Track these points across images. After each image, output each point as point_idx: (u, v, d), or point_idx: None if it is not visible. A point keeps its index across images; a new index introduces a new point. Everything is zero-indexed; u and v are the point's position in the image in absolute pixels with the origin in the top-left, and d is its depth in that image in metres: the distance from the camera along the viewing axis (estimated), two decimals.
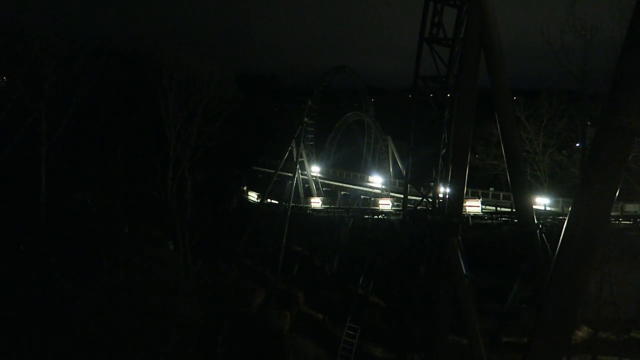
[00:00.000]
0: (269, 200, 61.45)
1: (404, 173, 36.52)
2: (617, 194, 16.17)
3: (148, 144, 45.30)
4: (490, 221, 42.51)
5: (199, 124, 44.53)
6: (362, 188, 64.19)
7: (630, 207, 40.02)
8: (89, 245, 40.32)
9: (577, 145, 50.96)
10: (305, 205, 58.96)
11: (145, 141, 46.22)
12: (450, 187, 27.02)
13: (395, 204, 51.19)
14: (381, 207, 51.88)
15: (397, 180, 60.95)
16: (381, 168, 65.77)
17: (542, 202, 45.16)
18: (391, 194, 58.42)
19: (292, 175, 56.98)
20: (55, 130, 40.85)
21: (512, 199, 26.63)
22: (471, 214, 42.38)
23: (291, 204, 52.66)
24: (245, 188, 68.66)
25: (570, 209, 17.08)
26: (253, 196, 66.23)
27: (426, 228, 32.62)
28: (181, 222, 43.49)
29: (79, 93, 41.24)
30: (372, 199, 57.39)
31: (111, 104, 48.37)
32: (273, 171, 61.96)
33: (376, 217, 52.24)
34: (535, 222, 25.06)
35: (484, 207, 44.97)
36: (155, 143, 45.92)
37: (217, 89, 45.05)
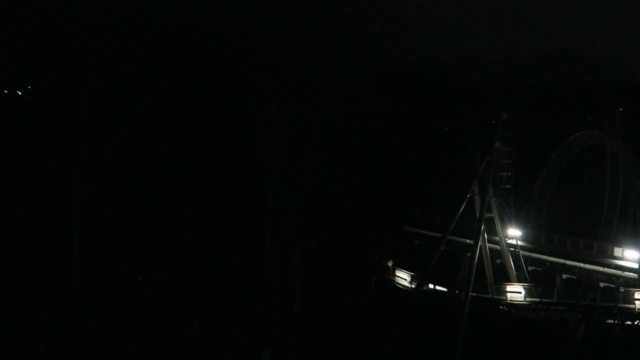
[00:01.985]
0: (430, 285, 61.08)
1: None
2: None
3: (233, 186, 47.66)
4: None
5: (315, 152, 45.56)
6: (601, 269, 60.63)
7: None
8: None
9: None
10: (495, 297, 57.40)
11: (230, 181, 48.73)
12: None
13: None
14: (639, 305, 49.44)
15: None
16: (639, 232, 61.47)
17: None
18: None
19: (472, 242, 56.46)
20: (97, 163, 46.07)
21: None
22: None
23: (470, 294, 52.04)
24: (390, 264, 68.37)
25: None
26: (404, 277, 65.58)
27: None
28: (284, 324, 44.57)
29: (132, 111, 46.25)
30: (623, 289, 54.66)
31: (178, 122, 52.69)
32: (439, 235, 61.85)
33: (631, 322, 50.88)
34: None
35: None
36: (245, 185, 48.04)
37: (344, 96, 46.05)
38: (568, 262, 63.02)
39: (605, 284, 58.86)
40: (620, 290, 54.67)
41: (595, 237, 67.52)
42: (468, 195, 58.52)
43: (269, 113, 44.91)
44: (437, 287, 61.27)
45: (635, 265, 58.16)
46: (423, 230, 73.84)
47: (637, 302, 50.38)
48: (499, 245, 62.26)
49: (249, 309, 51.86)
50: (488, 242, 60.58)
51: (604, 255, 62.69)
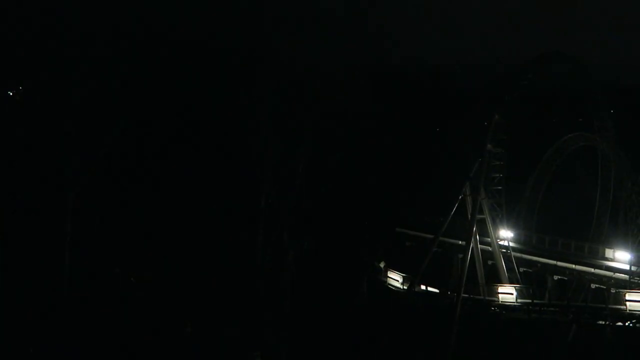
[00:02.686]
0: (422, 286, 61.00)
1: None
2: None
3: (225, 186, 47.69)
4: None
5: (308, 152, 45.68)
6: (592, 270, 60.87)
7: None
8: None
9: None
10: (487, 298, 57.50)
11: (221, 181, 48.76)
12: None
13: None
14: (630, 306, 49.86)
15: None
16: (630, 234, 61.51)
17: None
18: None
19: (464, 244, 56.47)
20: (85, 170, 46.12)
21: None
22: None
23: (462, 295, 52.30)
24: (382, 265, 68.35)
25: None
26: (396, 279, 65.57)
27: None
28: (276, 325, 44.58)
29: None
30: (614, 290, 54.70)
31: (170, 122, 52.74)
32: (431, 236, 61.85)
33: (622, 324, 50.60)
34: None
35: None
36: (236, 185, 48.11)
37: (337, 97, 46.16)
38: (559, 264, 63.13)
39: (597, 285, 58.97)
40: (612, 291, 54.73)
41: (587, 238, 67.62)
42: (460, 197, 58.68)
43: (262, 113, 44.92)
44: (429, 288, 61.33)
45: (626, 267, 58.33)
46: (415, 231, 73.78)
47: (628, 303, 50.23)
48: (490, 246, 62.38)
49: (241, 310, 51.80)
50: (480, 244, 60.68)
51: (595, 257, 62.82)
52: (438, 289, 60.58)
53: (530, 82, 69.35)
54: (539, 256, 65.35)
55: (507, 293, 57.02)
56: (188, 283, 53.91)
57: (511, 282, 60.39)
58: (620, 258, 60.41)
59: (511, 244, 65.14)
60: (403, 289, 61.43)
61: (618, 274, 58.42)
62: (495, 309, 56.17)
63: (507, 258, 62.69)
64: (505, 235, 65.19)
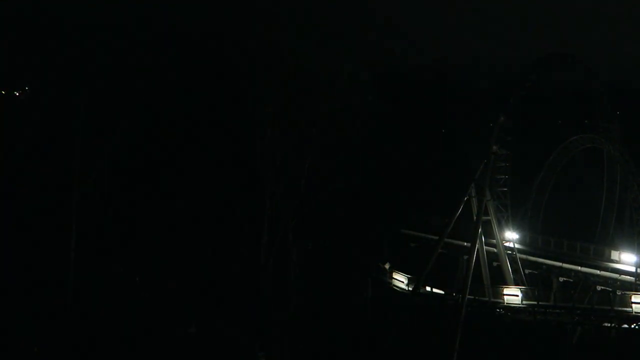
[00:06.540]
0: (427, 288, 60.61)
1: None
2: None
3: (230, 187, 47.62)
4: None
5: (312, 154, 45.59)
6: (598, 272, 60.56)
7: None
8: None
9: None
10: (492, 300, 57.22)
11: (226, 182, 48.72)
12: None
13: None
14: (636, 308, 49.57)
15: None
16: (636, 236, 61.10)
17: None
18: None
19: (469, 245, 56.07)
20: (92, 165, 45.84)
21: None
22: None
23: (467, 297, 51.90)
24: (387, 266, 68.22)
25: None
26: (401, 280, 65.44)
27: None
28: (280, 326, 44.46)
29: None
30: (620, 292, 54.31)
31: (175, 123, 52.67)
32: (436, 237, 61.48)
33: (627, 326, 50.64)
34: None
35: None
36: (241, 186, 48.11)
37: (340, 96, 46.06)
38: (565, 265, 62.87)
39: (602, 287, 58.70)
40: (617, 293, 54.40)
41: (592, 240, 67.32)
42: (465, 198, 58.37)
43: (266, 114, 44.85)
44: (434, 290, 60.77)
45: (632, 269, 58.05)
46: (420, 232, 73.65)
47: (633, 305, 49.92)
48: (496, 248, 62.21)
49: (246, 310, 51.76)
50: (485, 245, 60.48)
51: (601, 258, 62.45)
52: (443, 290, 60.09)
53: (536, 84, 69.29)
54: (544, 258, 65.13)
55: (513, 295, 56.63)
56: (193, 283, 53.93)
57: (516, 283, 60.14)
58: (626, 260, 60.08)
59: (516, 246, 65.00)
60: (408, 290, 61.22)
61: (624, 276, 58.15)
62: (500, 311, 56.03)
63: (512, 260, 62.56)
64: (511, 236, 65.03)
